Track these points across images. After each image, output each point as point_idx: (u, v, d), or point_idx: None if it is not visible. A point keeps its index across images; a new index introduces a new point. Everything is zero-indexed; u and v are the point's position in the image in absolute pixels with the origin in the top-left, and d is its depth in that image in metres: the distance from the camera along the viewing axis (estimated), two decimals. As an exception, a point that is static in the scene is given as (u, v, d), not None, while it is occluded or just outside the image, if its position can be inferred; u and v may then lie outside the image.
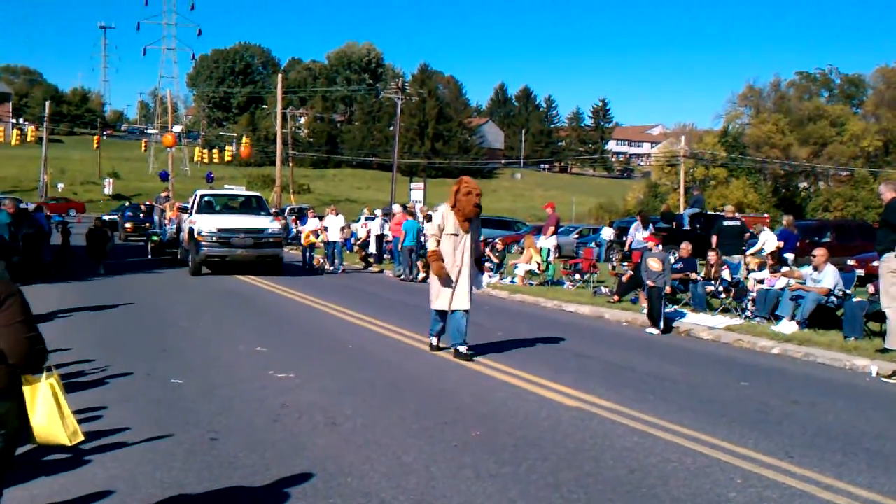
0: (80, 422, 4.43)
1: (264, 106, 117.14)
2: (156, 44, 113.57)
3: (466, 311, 10.34)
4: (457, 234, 10.26)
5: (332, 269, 24.99)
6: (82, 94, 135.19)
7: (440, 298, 10.37)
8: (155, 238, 27.62)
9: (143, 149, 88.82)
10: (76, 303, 14.24)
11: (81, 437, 4.41)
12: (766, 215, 26.87)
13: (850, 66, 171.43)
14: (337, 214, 25.96)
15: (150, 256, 27.20)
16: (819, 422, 7.68)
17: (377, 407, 7.68)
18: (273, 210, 26.53)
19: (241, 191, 30.38)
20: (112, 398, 7.71)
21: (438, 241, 10.37)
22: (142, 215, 40.70)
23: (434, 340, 10.87)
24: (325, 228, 25.60)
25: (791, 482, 5.72)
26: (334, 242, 25.33)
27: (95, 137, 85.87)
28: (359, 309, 15.07)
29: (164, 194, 30.65)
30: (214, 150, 73.27)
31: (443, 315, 10.54)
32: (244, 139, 53.02)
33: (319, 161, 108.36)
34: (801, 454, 6.43)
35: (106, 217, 35.10)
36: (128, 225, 39.68)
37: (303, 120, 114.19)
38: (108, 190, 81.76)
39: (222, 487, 5.37)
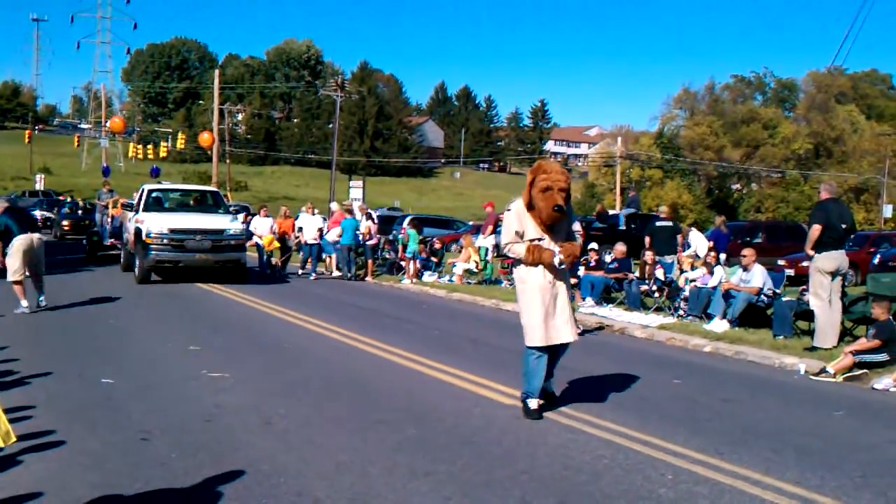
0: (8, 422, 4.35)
1: (201, 102, 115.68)
2: (90, 37, 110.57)
3: (568, 344, 7.64)
4: (542, 240, 7.39)
5: (307, 273, 22.47)
6: (13, 88, 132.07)
7: (536, 329, 7.38)
8: (95, 238, 25.83)
9: (76, 144, 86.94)
10: (4, 302, 13.88)
11: (14, 439, 4.34)
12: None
13: (785, 70, 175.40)
14: (314, 213, 23.46)
15: (93, 257, 25.38)
16: (749, 419, 7.84)
17: (312, 406, 7.64)
18: (233, 208, 23.68)
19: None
20: (41, 398, 7.54)
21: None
22: (80, 212, 39.68)
23: (534, 403, 7.49)
24: (300, 228, 23.23)
25: (721, 478, 5.83)
26: (311, 245, 22.69)
27: (26, 132, 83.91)
28: (296, 308, 14.96)
29: (105, 189, 28.77)
30: (149, 146, 72.15)
31: (544, 351, 7.47)
32: (206, 136, 51.76)
33: (257, 158, 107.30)
34: (731, 450, 6.55)
35: None
36: (65, 223, 38.57)
37: (240, 116, 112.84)
38: (39, 186, 79.81)
39: (154, 488, 5.29)
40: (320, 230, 23.04)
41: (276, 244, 23.39)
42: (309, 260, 22.90)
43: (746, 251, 13.63)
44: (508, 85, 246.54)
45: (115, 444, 6.19)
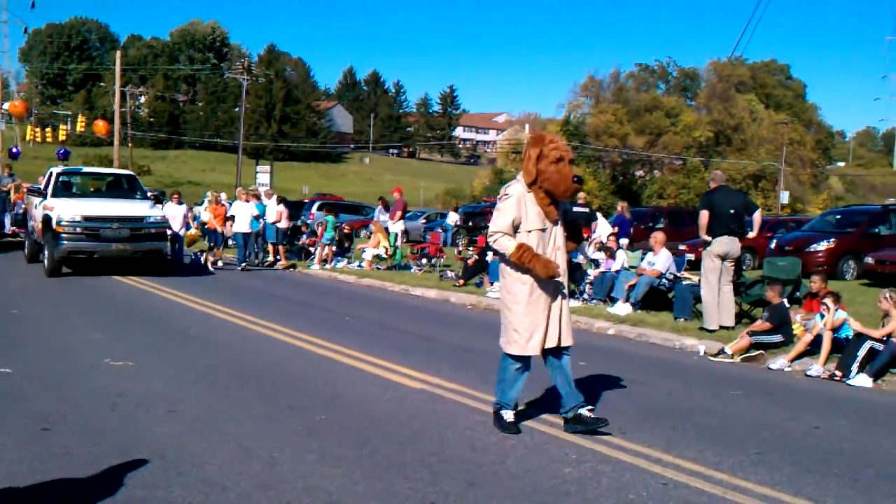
0: None
1: (102, 84, 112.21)
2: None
3: (567, 349, 6.68)
4: (543, 230, 6.36)
5: (240, 265, 21.23)
6: None
7: (533, 336, 6.43)
8: None
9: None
10: None
11: None
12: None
13: (687, 59, 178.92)
14: (247, 200, 21.81)
15: None
16: (651, 399, 8.06)
17: (220, 394, 7.56)
18: (151, 193, 22.09)
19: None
20: (-67, 390, 7.28)
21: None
22: None
23: (509, 415, 6.66)
24: (232, 217, 21.59)
25: (623, 457, 5.99)
26: (245, 234, 21.36)
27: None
28: (206, 297, 14.74)
29: (5, 173, 27.31)
30: (48, 129, 69.85)
31: (528, 363, 6.66)
32: (101, 124, 50.01)
33: (160, 142, 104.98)
34: (634, 430, 6.73)
35: None
36: None
37: (143, 99, 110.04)
38: (-71, 169, 76.51)
39: (55, 478, 5.16)
40: (257, 217, 21.71)
41: (199, 235, 22.27)
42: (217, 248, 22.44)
43: (657, 235, 13.96)
44: (417, 71, 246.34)
45: (14, 435, 6.02)
